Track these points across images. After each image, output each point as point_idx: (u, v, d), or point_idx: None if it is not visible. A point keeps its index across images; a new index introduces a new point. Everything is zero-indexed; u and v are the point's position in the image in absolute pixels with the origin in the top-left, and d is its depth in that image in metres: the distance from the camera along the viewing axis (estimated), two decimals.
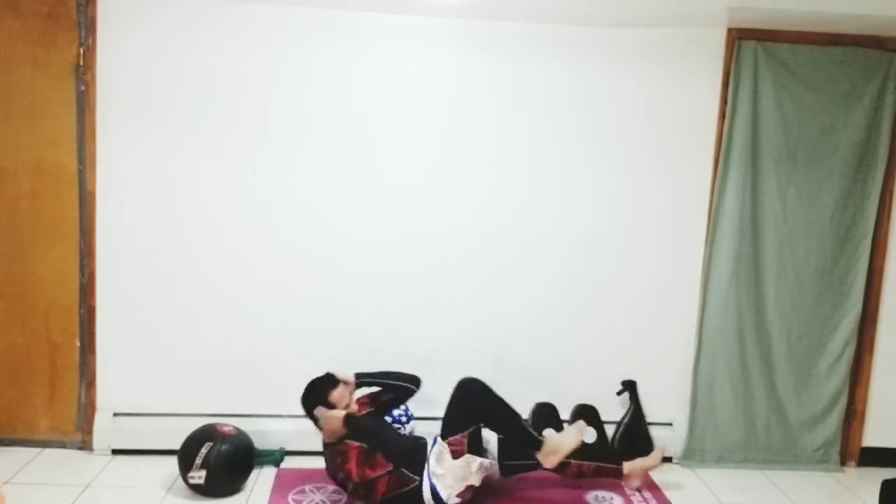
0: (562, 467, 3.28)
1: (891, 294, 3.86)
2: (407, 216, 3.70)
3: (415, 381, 3.48)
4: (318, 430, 3.27)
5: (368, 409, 3.36)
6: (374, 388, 3.44)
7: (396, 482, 3.10)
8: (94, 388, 3.64)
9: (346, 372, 3.34)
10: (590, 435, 3.71)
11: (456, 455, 3.11)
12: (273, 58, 3.57)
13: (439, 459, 3.13)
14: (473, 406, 3.23)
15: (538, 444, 3.28)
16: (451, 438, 3.14)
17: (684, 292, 3.82)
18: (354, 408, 3.28)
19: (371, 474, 3.10)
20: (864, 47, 3.68)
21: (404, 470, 3.11)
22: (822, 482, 3.76)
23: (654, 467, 3.55)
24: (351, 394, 3.29)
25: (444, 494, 3.07)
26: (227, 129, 3.58)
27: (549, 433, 3.47)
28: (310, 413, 3.27)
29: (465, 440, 3.12)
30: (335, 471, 3.22)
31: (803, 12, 3.40)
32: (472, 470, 3.12)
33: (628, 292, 3.81)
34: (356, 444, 3.14)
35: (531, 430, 3.40)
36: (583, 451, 3.33)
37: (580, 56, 3.67)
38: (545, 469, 3.26)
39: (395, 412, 3.62)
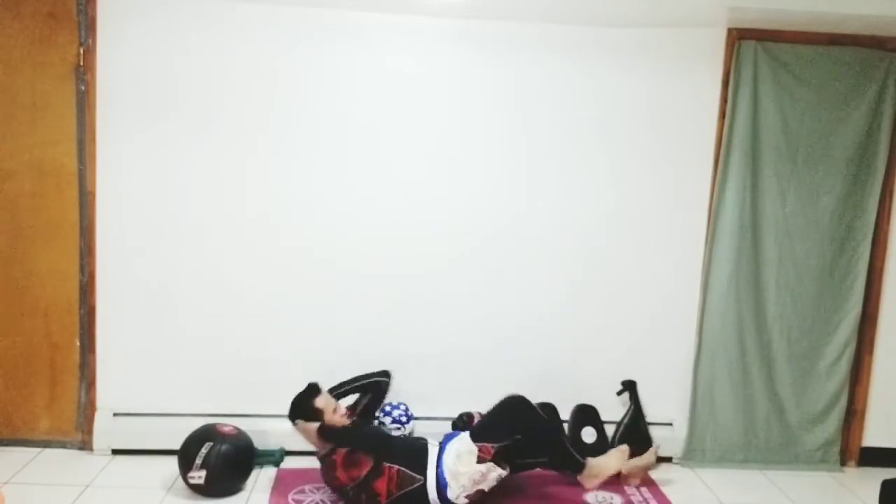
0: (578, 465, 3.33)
1: (891, 294, 3.86)
2: (407, 217, 3.70)
3: (384, 374, 3.54)
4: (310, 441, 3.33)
5: (353, 419, 3.37)
6: (352, 398, 3.47)
7: (398, 483, 3.09)
8: (94, 388, 3.64)
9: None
10: (589, 435, 3.74)
11: (480, 460, 3.10)
12: (273, 58, 3.57)
13: (460, 456, 3.12)
14: (516, 424, 3.21)
15: (580, 466, 3.34)
16: (480, 444, 3.13)
17: (684, 292, 3.82)
18: (343, 411, 3.32)
19: (358, 473, 3.10)
20: (864, 47, 3.68)
21: (405, 469, 3.10)
22: (822, 482, 3.76)
23: (649, 465, 3.57)
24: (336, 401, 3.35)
25: (452, 494, 3.07)
26: (227, 130, 3.58)
27: (591, 459, 3.42)
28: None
29: (493, 450, 3.11)
30: (332, 482, 3.23)
31: (803, 12, 3.40)
32: (489, 478, 3.11)
33: (628, 292, 3.81)
34: (342, 450, 3.16)
35: (573, 452, 3.38)
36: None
37: (580, 56, 3.66)
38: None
39: (395, 412, 3.62)
